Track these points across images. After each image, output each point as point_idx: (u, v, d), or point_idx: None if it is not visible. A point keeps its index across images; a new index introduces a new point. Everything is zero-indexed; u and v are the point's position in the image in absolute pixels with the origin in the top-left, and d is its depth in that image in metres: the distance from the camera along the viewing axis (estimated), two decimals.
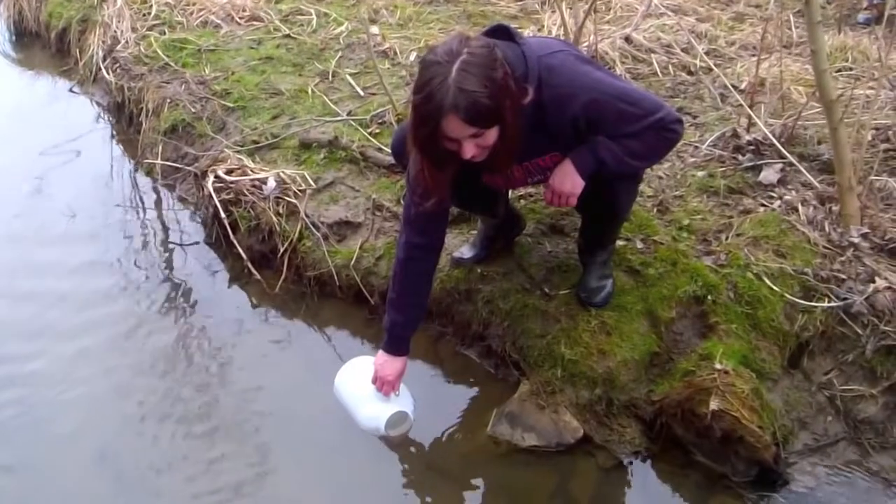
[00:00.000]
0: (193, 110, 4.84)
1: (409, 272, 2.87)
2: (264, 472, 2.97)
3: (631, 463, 2.91)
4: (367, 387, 2.89)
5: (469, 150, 2.37)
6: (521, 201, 3.63)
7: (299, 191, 3.94)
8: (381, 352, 2.90)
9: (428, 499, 2.88)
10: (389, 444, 2.99)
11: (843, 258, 3.17)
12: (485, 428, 3.03)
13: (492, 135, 2.37)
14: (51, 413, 3.23)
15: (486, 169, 2.69)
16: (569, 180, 2.65)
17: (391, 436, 2.88)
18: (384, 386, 2.86)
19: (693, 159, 3.84)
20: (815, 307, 3.03)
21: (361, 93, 4.79)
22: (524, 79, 2.44)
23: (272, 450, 3.04)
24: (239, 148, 4.33)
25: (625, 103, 2.54)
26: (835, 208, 3.35)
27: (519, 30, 2.65)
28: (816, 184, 3.51)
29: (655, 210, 3.52)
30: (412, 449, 3.00)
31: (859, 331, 2.99)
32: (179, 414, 3.21)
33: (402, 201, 3.69)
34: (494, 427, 3.01)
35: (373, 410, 2.86)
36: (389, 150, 3.93)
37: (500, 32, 2.54)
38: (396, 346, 2.89)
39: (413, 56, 5.19)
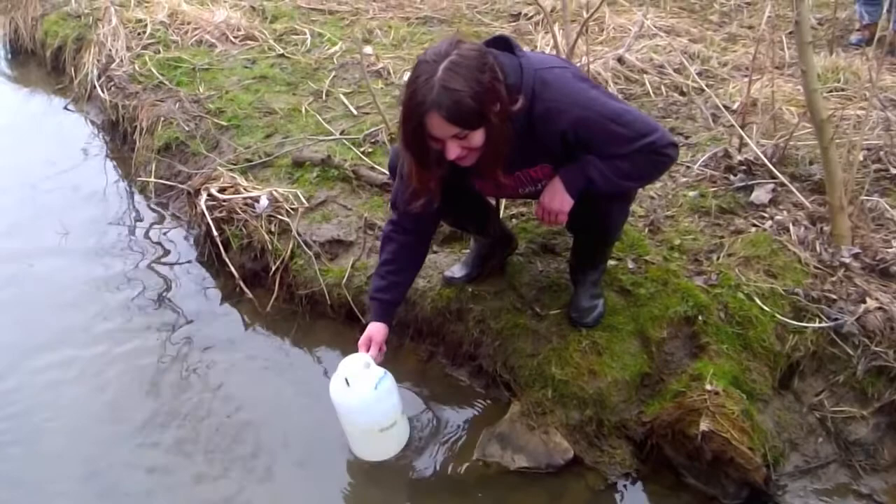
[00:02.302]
0: (187, 129, 4.85)
1: (394, 247, 2.96)
2: (254, 492, 2.95)
3: (621, 485, 2.89)
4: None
5: (453, 151, 2.40)
6: (513, 220, 3.63)
7: (292, 209, 3.94)
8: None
9: None
10: (380, 463, 2.98)
11: (834, 278, 3.17)
12: (474, 449, 3.01)
13: (477, 137, 2.38)
14: (40, 431, 3.23)
15: (475, 175, 2.69)
16: (558, 198, 2.66)
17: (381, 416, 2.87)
18: (360, 347, 2.92)
19: (685, 179, 3.85)
20: (806, 327, 3.02)
21: (355, 112, 4.80)
22: (517, 89, 2.46)
23: (262, 469, 3.03)
24: (232, 166, 4.34)
25: (616, 124, 2.54)
26: (826, 228, 3.35)
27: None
28: (808, 204, 3.51)
29: (647, 230, 3.52)
30: (402, 470, 2.98)
31: (850, 351, 2.98)
32: (168, 432, 3.19)
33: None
34: (484, 448, 2.99)
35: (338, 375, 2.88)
36: (382, 170, 3.96)
37: (501, 43, 2.56)
38: (375, 310, 2.97)
39: (406, 76, 5.19)
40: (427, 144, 2.41)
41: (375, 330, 2.96)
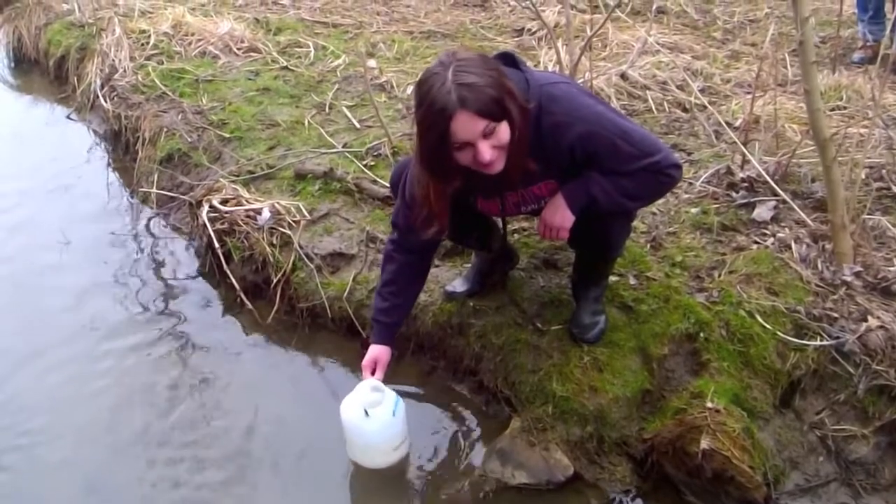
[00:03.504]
0: (190, 140, 4.86)
1: (395, 267, 2.96)
2: (254, 503, 2.95)
3: (622, 502, 2.88)
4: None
5: (486, 152, 2.36)
6: (515, 235, 3.62)
7: (293, 222, 3.94)
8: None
9: None
10: (381, 475, 2.97)
11: (835, 297, 3.16)
12: (475, 464, 3.01)
13: (504, 132, 2.37)
14: (39, 443, 3.22)
15: (483, 192, 2.69)
16: (559, 214, 2.66)
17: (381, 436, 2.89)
18: (363, 371, 2.92)
19: (687, 196, 3.85)
20: (808, 346, 3.01)
21: (357, 125, 4.81)
22: (524, 100, 2.46)
23: (262, 482, 3.02)
24: (234, 178, 4.34)
25: (622, 141, 2.54)
26: (828, 246, 3.35)
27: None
28: (810, 221, 3.51)
29: (648, 246, 3.52)
30: (401, 484, 2.98)
31: (851, 370, 2.97)
32: (169, 444, 3.19)
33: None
34: (485, 464, 2.98)
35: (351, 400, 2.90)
36: (384, 183, 3.96)
37: (506, 59, 2.56)
38: (379, 332, 2.97)
39: (410, 90, 5.22)
40: (449, 155, 2.39)
41: (380, 352, 2.96)
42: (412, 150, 2.60)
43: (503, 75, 2.36)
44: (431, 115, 2.31)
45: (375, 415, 2.83)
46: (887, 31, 5.38)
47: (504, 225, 3.16)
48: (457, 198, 2.62)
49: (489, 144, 2.36)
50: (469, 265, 3.44)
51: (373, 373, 2.94)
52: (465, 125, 2.30)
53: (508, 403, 3.14)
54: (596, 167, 2.59)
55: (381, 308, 2.98)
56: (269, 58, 5.92)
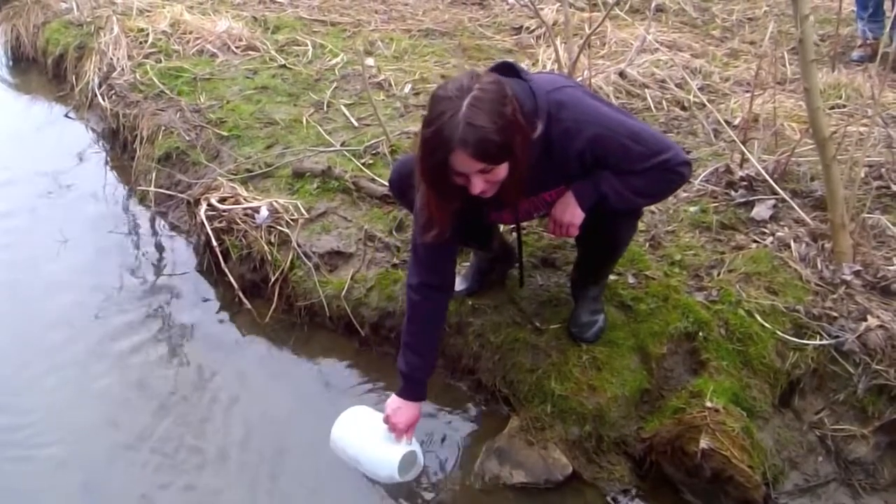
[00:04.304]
0: (188, 138, 4.84)
1: (425, 313, 2.86)
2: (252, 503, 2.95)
3: (620, 501, 2.87)
4: (373, 434, 2.86)
5: (478, 186, 2.37)
6: (521, 236, 3.61)
7: (291, 220, 3.93)
8: (394, 397, 2.86)
9: None
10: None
11: (834, 296, 3.16)
12: (473, 463, 3.00)
13: (501, 171, 2.37)
14: (36, 442, 3.20)
15: (492, 206, 2.68)
16: (569, 211, 2.67)
17: (402, 481, 2.84)
18: (396, 433, 2.82)
19: (686, 194, 3.84)
20: (807, 345, 3.01)
21: (356, 123, 4.79)
22: (533, 114, 2.45)
23: (260, 481, 3.01)
24: (232, 176, 4.33)
25: (631, 141, 2.55)
26: (827, 245, 3.35)
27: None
28: (809, 220, 3.50)
29: (647, 245, 3.51)
30: (400, 483, 2.96)
31: (851, 369, 2.97)
32: (166, 444, 3.18)
33: (394, 233, 3.71)
34: (483, 463, 2.98)
35: (385, 454, 2.81)
36: (382, 181, 3.95)
37: (506, 69, 2.55)
38: (414, 390, 2.85)
39: (408, 88, 5.21)
40: (449, 179, 2.38)
41: (416, 412, 2.88)
42: (412, 148, 2.58)
43: (516, 109, 2.33)
44: (436, 140, 2.30)
45: (408, 475, 2.86)
46: (886, 29, 5.37)
47: (518, 232, 3.13)
48: (466, 213, 2.60)
49: (483, 179, 2.37)
50: (468, 264, 3.43)
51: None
52: (463, 162, 2.31)
53: (507, 402, 3.14)
54: (607, 168, 2.60)
55: (416, 365, 2.85)
56: (268, 56, 5.90)
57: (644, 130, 2.62)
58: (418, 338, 2.85)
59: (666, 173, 2.61)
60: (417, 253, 2.81)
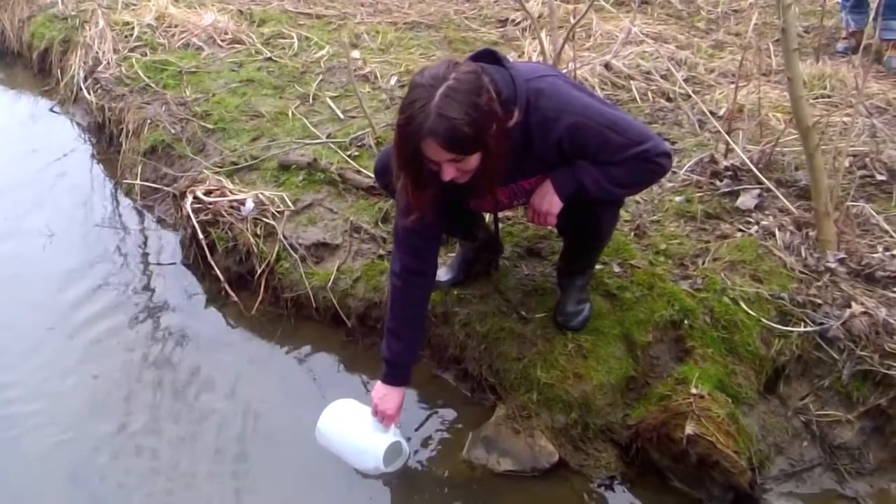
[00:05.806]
0: (173, 131, 4.83)
1: (408, 299, 2.87)
2: (239, 494, 2.95)
3: (607, 488, 2.89)
4: (358, 425, 2.88)
5: (448, 173, 2.39)
6: (499, 224, 3.62)
7: (277, 212, 3.93)
8: (379, 384, 2.88)
9: None
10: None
11: (819, 283, 3.17)
12: (460, 452, 3.01)
13: (472, 160, 2.38)
14: (23, 432, 3.20)
15: (470, 194, 2.68)
16: (547, 200, 2.67)
17: (387, 471, 2.86)
18: (385, 419, 2.84)
19: (671, 184, 3.85)
20: (792, 332, 3.03)
21: (341, 116, 4.79)
22: (511, 101, 2.46)
23: (247, 472, 3.02)
24: (218, 169, 4.32)
25: (610, 130, 2.55)
26: (811, 234, 3.36)
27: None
28: (793, 209, 3.52)
29: (632, 234, 3.52)
30: (385, 474, 2.97)
31: (835, 356, 2.99)
32: (153, 435, 3.18)
33: (380, 224, 3.71)
34: (470, 451, 2.99)
35: (370, 446, 2.83)
36: (368, 173, 3.95)
37: (488, 56, 2.56)
38: (397, 375, 2.87)
39: (394, 80, 5.20)
40: (422, 166, 2.40)
41: (401, 397, 2.90)
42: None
43: (492, 99, 2.33)
44: (407, 129, 2.31)
45: (393, 466, 2.89)
46: (869, 20, 5.39)
47: (496, 220, 3.14)
48: (447, 199, 2.60)
49: (454, 167, 2.38)
50: (453, 254, 3.44)
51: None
52: (433, 151, 2.32)
53: (493, 391, 3.15)
54: (586, 157, 2.60)
55: (398, 350, 2.87)
56: (253, 49, 5.88)
57: (624, 120, 2.62)
58: (400, 323, 2.86)
59: (646, 164, 2.61)
60: (400, 238, 2.81)
